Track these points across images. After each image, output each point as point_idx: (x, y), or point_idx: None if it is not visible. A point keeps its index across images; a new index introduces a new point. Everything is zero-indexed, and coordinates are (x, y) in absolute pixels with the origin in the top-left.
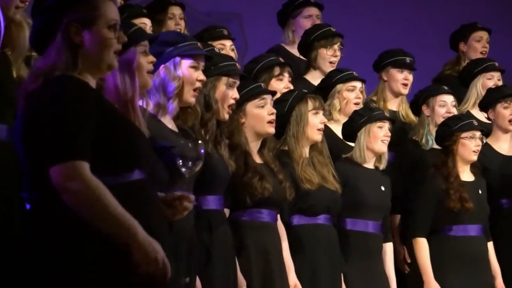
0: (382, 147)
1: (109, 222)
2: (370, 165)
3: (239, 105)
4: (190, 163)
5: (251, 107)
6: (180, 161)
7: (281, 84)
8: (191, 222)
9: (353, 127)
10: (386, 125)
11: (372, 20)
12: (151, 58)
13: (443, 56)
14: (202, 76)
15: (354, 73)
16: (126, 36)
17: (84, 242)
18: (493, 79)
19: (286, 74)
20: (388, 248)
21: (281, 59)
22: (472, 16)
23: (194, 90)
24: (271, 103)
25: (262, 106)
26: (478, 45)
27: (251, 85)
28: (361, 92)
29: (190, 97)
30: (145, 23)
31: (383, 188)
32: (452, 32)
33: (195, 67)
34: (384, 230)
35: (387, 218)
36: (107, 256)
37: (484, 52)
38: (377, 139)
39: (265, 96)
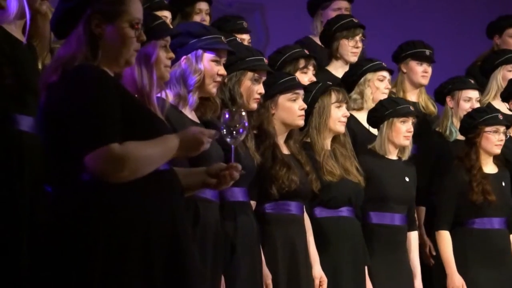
0: (404, 141)
1: (159, 163)
2: (393, 156)
3: (271, 96)
4: (234, 132)
5: (283, 99)
6: (225, 130)
7: (305, 77)
8: (216, 215)
9: (376, 117)
10: (410, 121)
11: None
12: (171, 54)
13: (468, 48)
14: (223, 71)
15: (383, 63)
16: (149, 28)
17: (106, 232)
18: None
19: (311, 67)
20: (413, 237)
21: (306, 51)
22: (494, 9)
23: (215, 81)
24: (302, 97)
25: (294, 100)
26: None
27: (285, 77)
28: (389, 82)
29: (212, 88)
30: (166, 16)
31: (407, 179)
32: (489, 22)
33: (216, 61)
34: (409, 220)
35: (412, 207)
36: (129, 249)
37: None
38: (399, 134)
39: (298, 90)
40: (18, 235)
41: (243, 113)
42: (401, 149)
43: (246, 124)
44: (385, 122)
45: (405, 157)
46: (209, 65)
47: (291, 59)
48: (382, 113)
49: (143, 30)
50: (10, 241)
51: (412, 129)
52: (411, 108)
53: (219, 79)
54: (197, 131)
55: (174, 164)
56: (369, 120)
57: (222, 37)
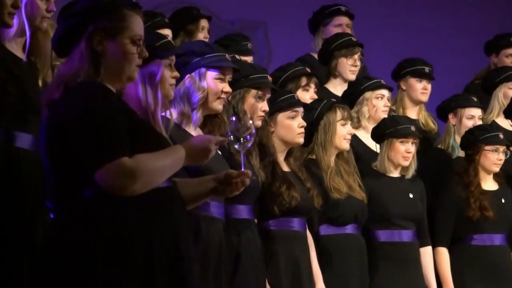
0: (402, 161)
1: (169, 173)
2: (394, 174)
3: (271, 114)
4: (242, 139)
5: (283, 117)
6: (232, 137)
7: (307, 95)
8: (220, 233)
9: (377, 135)
10: (410, 141)
11: (396, 28)
12: (176, 73)
13: (467, 65)
14: (228, 88)
15: (382, 81)
16: (154, 47)
17: (108, 249)
18: None
19: (313, 85)
20: (427, 253)
21: (307, 69)
22: (493, 26)
23: (219, 98)
24: (302, 115)
25: (293, 118)
26: (508, 60)
27: (285, 95)
28: (388, 100)
29: (217, 105)
30: (167, 34)
31: (411, 195)
32: (486, 41)
33: (221, 79)
34: (420, 235)
35: (422, 223)
36: (130, 266)
37: None
38: (397, 154)
39: (297, 108)
40: (18, 252)
41: (251, 120)
42: (404, 167)
43: (254, 131)
44: (385, 141)
45: (409, 175)
46: (212, 83)
47: (293, 77)
48: (383, 132)
49: (144, 46)
50: (10, 257)
51: (411, 150)
52: (412, 128)
53: (224, 96)
54: (204, 139)
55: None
56: (373, 137)
57: (226, 55)
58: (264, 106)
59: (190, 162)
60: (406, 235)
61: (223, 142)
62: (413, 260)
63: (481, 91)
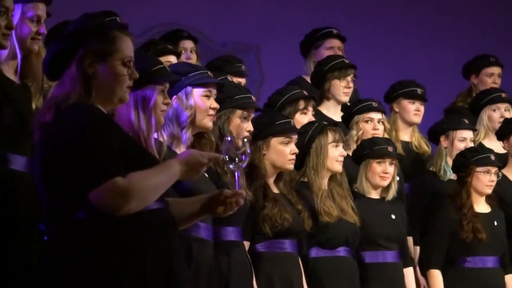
0: (380, 182)
1: (163, 189)
2: (373, 195)
3: (264, 137)
4: (237, 159)
5: (276, 142)
6: (227, 156)
7: (305, 118)
8: (211, 255)
9: (356, 156)
10: (387, 162)
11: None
12: (168, 100)
13: (455, 86)
14: (215, 104)
15: (373, 103)
16: (149, 72)
17: (103, 272)
18: (499, 111)
19: (310, 108)
20: (409, 273)
21: (305, 92)
22: (484, 46)
23: (208, 115)
24: (295, 141)
25: (287, 143)
26: (489, 80)
27: (281, 119)
28: (382, 122)
29: (207, 122)
30: (171, 61)
31: (393, 216)
32: (465, 63)
33: (207, 96)
34: (403, 256)
35: (404, 243)
36: (125, 286)
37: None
38: (374, 175)
39: (292, 135)
40: (13, 274)
41: (245, 139)
42: (385, 188)
43: (249, 151)
44: (363, 163)
45: (389, 197)
46: (200, 100)
47: (291, 100)
48: (360, 153)
49: (135, 68)
50: (5, 280)
51: (388, 170)
52: (390, 149)
53: (212, 112)
54: (197, 153)
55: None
56: (353, 159)
57: (209, 72)
58: (249, 126)
59: (183, 177)
60: (390, 256)
61: (219, 159)
62: (398, 281)
63: (463, 113)
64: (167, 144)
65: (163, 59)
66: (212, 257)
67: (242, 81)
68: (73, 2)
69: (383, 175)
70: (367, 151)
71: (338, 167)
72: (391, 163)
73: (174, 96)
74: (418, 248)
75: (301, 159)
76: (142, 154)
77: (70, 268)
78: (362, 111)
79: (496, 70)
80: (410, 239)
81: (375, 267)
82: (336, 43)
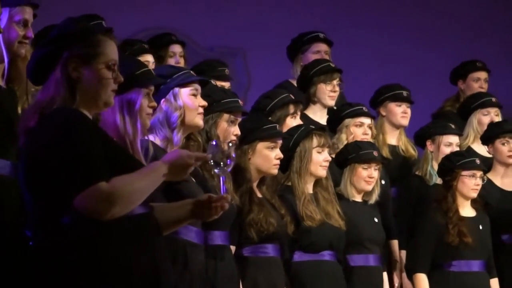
0: (365, 186)
1: (148, 192)
2: (357, 198)
3: (250, 141)
4: (222, 163)
5: (262, 146)
6: (212, 161)
7: (294, 122)
8: (203, 258)
9: (340, 160)
10: (373, 167)
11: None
12: (153, 103)
13: (442, 91)
14: (203, 102)
15: (363, 108)
16: (134, 75)
17: (88, 278)
18: (489, 115)
19: (299, 112)
20: (385, 276)
21: (292, 97)
22: (472, 50)
23: (199, 114)
24: (280, 146)
25: (272, 148)
26: (476, 85)
27: (268, 124)
28: (370, 128)
29: (198, 120)
30: (148, 60)
31: (376, 220)
32: (453, 68)
33: (194, 94)
34: (383, 260)
35: (383, 248)
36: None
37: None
38: (360, 179)
39: (278, 140)
40: None
41: (231, 144)
42: (367, 192)
43: (234, 155)
44: (348, 166)
45: (372, 200)
46: (188, 99)
47: (281, 104)
48: (345, 157)
49: (119, 72)
50: None
51: (374, 175)
52: (375, 154)
53: (201, 110)
54: (183, 153)
55: (153, 200)
56: (335, 162)
57: (191, 71)
58: (236, 130)
59: (169, 177)
60: (373, 259)
61: (204, 159)
62: (380, 284)
63: (450, 118)
64: (162, 147)
65: (140, 59)
66: (204, 261)
67: (226, 84)
68: (59, 5)
69: (368, 179)
70: (352, 156)
71: (322, 172)
72: (375, 168)
73: (163, 99)
74: (402, 252)
75: (286, 163)
76: (127, 158)
77: (55, 273)
78: (353, 115)
79: (482, 75)
80: (395, 243)
81: (361, 270)
82: (322, 47)
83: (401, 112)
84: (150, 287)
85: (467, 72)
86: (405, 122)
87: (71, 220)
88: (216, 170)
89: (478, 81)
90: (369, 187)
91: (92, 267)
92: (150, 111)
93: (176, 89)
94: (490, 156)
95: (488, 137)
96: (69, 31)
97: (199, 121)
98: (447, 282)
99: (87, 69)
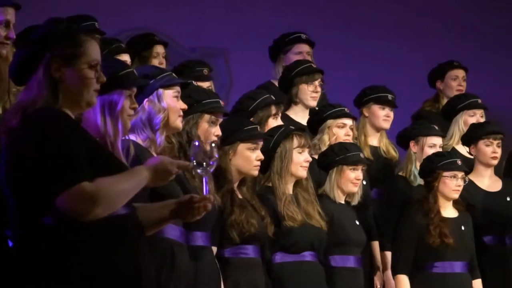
0: (352, 188)
1: (130, 195)
2: (341, 200)
3: (231, 142)
4: (204, 163)
5: (243, 148)
6: (195, 161)
7: (276, 123)
8: (188, 257)
9: (325, 162)
10: (360, 168)
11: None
12: (135, 105)
13: (423, 91)
14: (184, 105)
15: (345, 109)
16: (117, 76)
17: (70, 278)
18: (475, 116)
19: (280, 113)
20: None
21: (273, 97)
22: (453, 53)
23: (179, 116)
24: (260, 147)
25: (253, 150)
26: (454, 83)
27: (248, 125)
28: (352, 129)
29: (178, 123)
30: (125, 59)
31: (357, 223)
32: (430, 70)
33: (176, 97)
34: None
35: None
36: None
37: (460, 90)
38: (347, 181)
39: (259, 141)
40: None
41: (213, 144)
42: (350, 194)
43: (217, 156)
44: (335, 168)
45: (355, 202)
46: (172, 101)
47: (264, 105)
48: (332, 159)
49: (102, 72)
50: None
51: (361, 176)
52: (362, 155)
53: (181, 113)
54: (166, 161)
55: (135, 200)
56: (319, 164)
57: (173, 73)
58: (217, 131)
59: (151, 183)
60: (354, 261)
61: (187, 167)
62: (360, 287)
63: (430, 118)
64: (146, 147)
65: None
66: (189, 261)
67: (205, 85)
68: (41, 6)
69: (355, 181)
70: (340, 157)
71: (302, 173)
72: (361, 169)
73: (146, 99)
74: (387, 253)
75: (266, 164)
76: (109, 159)
77: (37, 273)
78: (336, 116)
79: (460, 73)
80: (376, 244)
81: (342, 271)
82: (304, 48)
83: (383, 115)
84: (132, 287)
85: (445, 71)
86: (386, 125)
87: (53, 220)
88: (199, 171)
89: (456, 79)
90: (355, 189)
91: (74, 268)
92: (132, 112)
93: (160, 90)
94: (472, 157)
95: (470, 138)
96: (52, 32)
97: (179, 123)
98: (430, 283)
99: (70, 69)
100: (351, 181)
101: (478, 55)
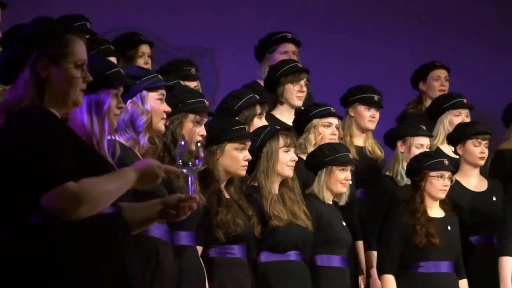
0: (341, 188)
1: (116, 196)
2: (329, 201)
3: (219, 142)
4: (190, 163)
5: (231, 148)
6: (180, 161)
7: (260, 123)
8: (172, 255)
9: (314, 163)
10: (349, 169)
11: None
12: (122, 104)
13: (408, 91)
14: (168, 108)
15: (331, 108)
16: (104, 76)
17: (56, 278)
18: (460, 116)
19: (265, 113)
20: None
21: (257, 97)
22: (437, 54)
23: (162, 118)
24: (248, 147)
25: (241, 150)
26: (436, 83)
27: (236, 125)
28: (337, 128)
29: (161, 125)
30: (114, 61)
31: (344, 223)
32: (413, 72)
33: (160, 99)
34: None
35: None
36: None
37: (442, 90)
38: (337, 182)
39: (247, 141)
40: None
41: (199, 144)
42: (339, 194)
43: (203, 155)
44: (324, 169)
45: (342, 202)
46: (155, 104)
47: (249, 105)
48: (321, 159)
49: (88, 71)
50: None
51: (350, 177)
52: (350, 156)
53: (165, 116)
54: (154, 164)
55: (121, 199)
56: (307, 165)
57: (159, 75)
58: (201, 130)
59: (137, 185)
60: (341, 261)
61: (175, 172)
62: (346, 287)
63: (417, 120)
64: (130, 146)
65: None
66: (173, 259)
67: (193, 84)
68: (27, 5)
69: (345, 182)
70: (329, 158)
71: (288, 172)
72: (350, 170)
73: (129, 101)
74: (374, 252)
75: (253, 164)
76: (95, 158)
77: (24, 273)
78: (322, 116)
79: (442, 73)
80: (360, 244)
81: (329, 271)
82: (290, 47)
83: (369, 116)
84: (118, 287)
85: (427, 72)
86: (372, 126)
87: (40, 219)
88: (184, 170)
89: (439, 80)
90: (344, 189)
91: (60, 267)
92: (118, 112)
93: (144, 92)
94: (457, 157)
95: (458, 138)
96: (38, 31)
97: (161, 126)
98: (416, 283)
99: (56, 69)
100: (340, 182)
101: (464, 53)
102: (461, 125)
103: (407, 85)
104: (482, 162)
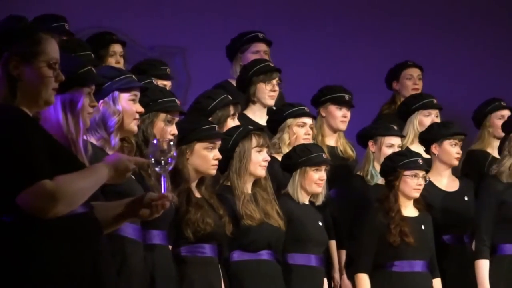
0: (316, 189)
1: (90, 192)
2: (305, 201)
3: (188, 141)
4: (163, 162)
5: (200, 147)
6: (153, 159)
7: (234, 123)
8: (142, 254)
9: (288, 164)
10: (323, 169)
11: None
12: (95, 103)
13: (383, 91)
14: (141, 108)
15: (305, 108)
16: (76, 74)
17: (28, 277)
18: (430, 116)
19: (237, 113)
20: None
21: (230, 97)
22: (412, 54)
23: (134, 119)
24: (219, 146)
25: (211, 149)
26: (409, 82)
27: (206, 125)
28: (311, 128)
29: (133, 126)
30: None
31: (320, 223)
32: (387, 72)
33: (133, 100)
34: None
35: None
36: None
37: (416, 89)
38: (311, 182)
39: (216, 141)
40: None
41: (172, 142)
42: (315, 194)
43: (175, 154)
44: (298, 170)
45: (319, 202)
46: (127, 105)
47: (223, 105)
48: (295, 160)
49: (61, 71)
50: None
51: (324, 177)
52: (324, 156)
53: (137, 116)
54: (123, 158)
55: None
56: (282, 166)
57: (133, 76)
58: (173, 129)
59: (110, 181)
60: (315, 260)
61: (144, 164)
62: (320, 286)
63: (390, 121)
64: (100, 146)
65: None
66: (143, 258)
67: (168, 83)
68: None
69: (319, 182)
70: (303, 159)
71: (261, 172)
72: (325, 170)
73: (101, 101)
74: (343, 251)
75: (225, 164)
76: (69, 157)
77: (6, 267)
78: (296, 115)
79: (415, 71)
80: (333, 243)
81: (302, 269)
82: (262, 47)
83: (340, 116)
84: (90, 286)
85: (400, 71)
86: (343, 126)
87: (13, 218)
88: (157, 169)
89: (411, 79)
90: (319, 189)
91: (33, 266)
92: (91, 110)
93: (116, 92)
94: (428, 157)
95: (433, 137)
96: (10, 29)
97: (134, 126)
98: (389, 282)
99: (28, 68)
100: (314, 182)
101: (438, 52)
102: (437, 125)
103: (382, 85)
104: (457, 162)
